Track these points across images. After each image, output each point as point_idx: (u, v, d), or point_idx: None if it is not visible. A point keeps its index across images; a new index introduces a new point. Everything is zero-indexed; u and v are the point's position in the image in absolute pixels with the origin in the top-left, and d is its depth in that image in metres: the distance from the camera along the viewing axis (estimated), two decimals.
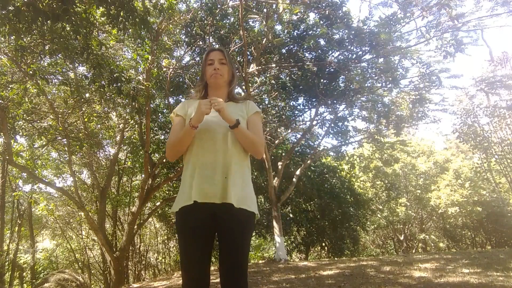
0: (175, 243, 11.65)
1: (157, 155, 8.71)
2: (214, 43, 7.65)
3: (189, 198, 1.42)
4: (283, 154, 9.23)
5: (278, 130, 9.14)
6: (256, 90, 8.55)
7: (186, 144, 1.50)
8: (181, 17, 6.55)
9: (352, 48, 7.56)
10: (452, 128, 12.19)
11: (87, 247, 11.61)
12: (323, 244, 12.62)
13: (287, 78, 8.33)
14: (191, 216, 1.43)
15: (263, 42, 7.24)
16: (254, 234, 10.33)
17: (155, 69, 6.27)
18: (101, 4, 3.37)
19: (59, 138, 6.85)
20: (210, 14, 7.05)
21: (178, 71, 7.47)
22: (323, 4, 7.09)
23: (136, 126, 7.66)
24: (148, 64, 5.92)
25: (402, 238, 15.18)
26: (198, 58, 8.08)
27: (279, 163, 8.43)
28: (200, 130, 1.48)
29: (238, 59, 7.74)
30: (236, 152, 1.49)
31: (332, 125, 8.97)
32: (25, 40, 4.14)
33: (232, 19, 7.64)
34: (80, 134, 6.58)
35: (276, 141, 8.70)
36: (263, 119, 8.00)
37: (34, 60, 4.84)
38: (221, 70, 1.60)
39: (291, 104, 8.95)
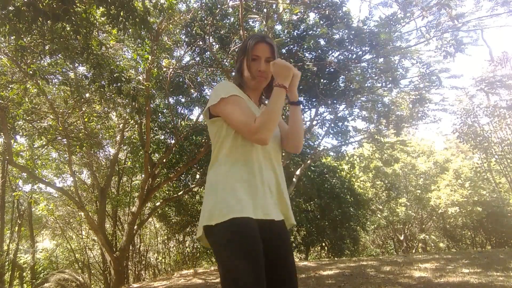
0: (175, 243, 11.65)
1: (157, 155, 8.72)
2: (214, 43, 7.65)
3: (243, 209, 1.13)
4: (283, 154, 9.23)
5: None
6: None
7: (279, 116, 1.21)
8: (181, 17, 6.55)
9: (352, 48, 7.56)
10: (452, 128, 12.19)
11: (87, 247, 11.61)
12: (323, 244, 12.62)
13: None
14: (246, 228, 1.12)
15: None
16: None
17: (155, 69, 6.27)
18: (101, 4, 3.37)
19: (59, 138, 6.85)
20: (210, 14, 7.04)
21: (178, 71, 7.47)
22: (323, 4, 7.08)
23: (136, 126, 7.66)
24: (148, 64, 5.92)
25: (402, 238, 15.18)
26: (198, 58, 8.08)
27: None
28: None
29: None
30: (280, 159, 1.30)
31: (332, 125, 8.97)
32: (25, 40, 4.14)
33: (232, 19, 7.63)
34: (80, 134, 6.58)
35: None
36: None
37: (34, 60, 4.84)
38: (266, 72, 1.30)
39: None
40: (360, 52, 7.56)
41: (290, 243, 1.23)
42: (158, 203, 8.65)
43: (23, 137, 6.38)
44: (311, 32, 7.61)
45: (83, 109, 6.64)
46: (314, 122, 8.94)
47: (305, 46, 7.69)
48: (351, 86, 7.62)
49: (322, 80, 7.94)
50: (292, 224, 1.29)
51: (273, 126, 1.17)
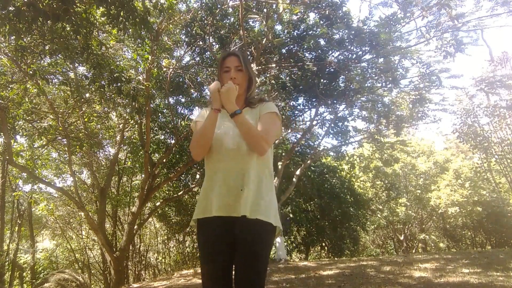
0: (175, 243, 11.66)
1: (157, 155, 8.71)
2: (214, 43, 7.65)
3: (204, 211, 1.42)
4: (283, 154, 9.22)
5: None
6: (256, 90, 8.54)
7: (211, 133, 1.44)
8: (181, 17, 6.55)
9: (352, 48, 7.55)
10: (452, 128, 12.18)
11: (87, 247, 11.61)
12: (323, 244, 12.63)
13: (287, 78, 8.32)
14: (207, 230, 1.41)
15: (263, 42, 7.24)
16: None
17: (155, 69, 6.27)
18: (101, 4, 3.37)
19: (59, 138, 6.85)
20: (210, 14, 7.04)
21: (178, 71, 7.47)
22: (323, 4, 7.08)
23: (136, 126, 7.66)
24: (148, 64, 5.91)
25: (402, 238, 15.18)
26: (198, 58, 8.07)
27: (279, 163, 8.43)
28: (214, 138, 1.45)
29: None
30: (253, 159, 1.42)
31: (332, 125, 8.96)
32: (25, 40, 4.14)
33: (232, 19, 7.63)
34: (80, 134, 6.58)
35: (276, 141, 8.70)
36: None
37: (34, 60, 4.84)
38: (238, 79, 1.52)
39: (291, 104, 8.94)
40: (360, 52, 7.56)
41: (252, 235, 1.34)
42: (158, 203, 8.65)
43: (23, 137, 6.38)
44: (311, 32, 7.61)
45: (83, 109, 6.64)
46: (314, 122, 8.94)
47: (305, 46, 7.69)
48: (351, 86, 7.62)
49: (322, 80, 7.94)
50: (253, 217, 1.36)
51: (199, 141, 1.45)
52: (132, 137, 8.63)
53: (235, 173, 1.41)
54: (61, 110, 6.28)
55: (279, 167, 8.32)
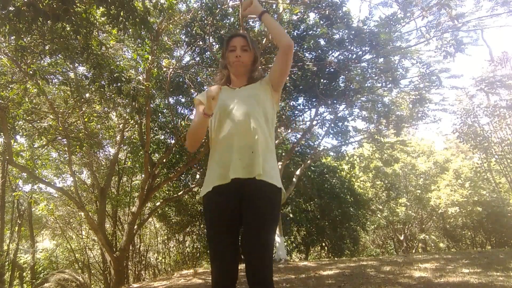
0: (175, 243, 11.66)
1: (157, 155, 8.71)
2: (214, 43, 7.65)
3: (214, 180, 1.44)
4: (283, 154, 9.22)
5: (278, 130, 9.14)
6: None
7: (201, 132, 1.52)
8: (181, 17, 6.55)
9: (352, 48, 7.55)
10: (452, 128, 12.19)
11: (87, 247, 11.62)
12: (323, 244, 12.63)
13: (287, 78, 8.32)
14: (215, 199, 1.43)
15: (263, 42, 7.24)
16: None
17: (155, 69, 6.27)
18: (101, 4, 3.37)
19: (59, 138, 6.85)
20: (210, 14, 7.04)
21: (178, 71, 7.46)
22: (323, 4, 7.08)
23: (136, 126, 7.66)
24: (148, 64, 5.91)
25: (402, 238, 15.18)
26: (198, 58, 8.07)
27: (279, 163, 8.43)
28: (219, 113, 1.50)
29: None
30: (260, 130, 1.47)
31: (332, 125, 8.96)
32: (25, 40, 4.14)
33: (232, 19, 7.63)
34: (80, 134, 6.58)
35: (276, 141, 8.70)
36: None
37: (34, 60, 4.84)
38: (243, 57, 1.57)
39: (291, 104, 8.94)
40: (360, 52, 7.55)
41: (261, 194, 1.39)
42: (158, 203, 8.65)
43: (23, 137, 6.38)
44: (311, 32, 7.61)
45: (83, 109, 6.64)
46: (314, 122, 8.94)
47: (305, 46, 7.69)
48: (351, 86, 7.62)
49: (322, 80, 7.94)
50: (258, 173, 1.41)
51: (190, 137, 1.55)
52: (132, 137, 8.63)
53: (246, 140, 1.44)
54: (61, 110, 6.28)
55: (279, 167, 8.33)
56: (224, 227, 1.40)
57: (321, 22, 7.35)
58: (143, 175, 8.07)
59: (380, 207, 14.80)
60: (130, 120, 7.36)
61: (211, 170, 1.50)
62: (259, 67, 1.72)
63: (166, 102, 8.07)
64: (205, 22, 7.07)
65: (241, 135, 1.45)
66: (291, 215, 10.86)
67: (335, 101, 8.35)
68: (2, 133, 5.28)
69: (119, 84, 4.55)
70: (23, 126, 6.08)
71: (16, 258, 9.91)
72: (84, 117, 6.66)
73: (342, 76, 7.84)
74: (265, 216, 1.36)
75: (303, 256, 12.74)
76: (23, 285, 10.23)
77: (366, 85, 7.48)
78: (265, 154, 1.46)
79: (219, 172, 1.44)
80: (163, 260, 11.88)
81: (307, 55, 7.82)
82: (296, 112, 9.24)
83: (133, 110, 5.91)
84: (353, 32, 7.07)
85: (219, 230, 1.41)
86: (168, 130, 8.63)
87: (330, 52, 7.98)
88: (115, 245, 8.60)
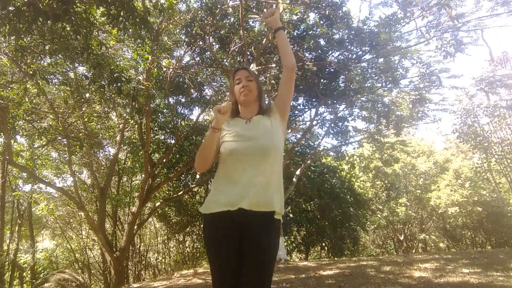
0: (175, 243, 11.66)
1: (157, 155, 8.72)
2: (214, 43, 7.65)
3: (223, 204, 1.45)
4: (284, 154, 9.22)
5: None
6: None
7: (210, 149, 1.53)
8: (181, 17, 6.55)
9: (352, 48, 7.55)
10: (452, 128, 12.18)
11: (87, 247, 11.62)
12: (323, 244, 12.62)
13: None
14: (221, 225, 1.45)
15: (263, 42, 7.24)
16: None
17: (155, 69, 6.27)
18: (101, 4, 3.37)
19: (59, 138, 6.85)
20: (210, 14, 7.04)
21: (178, 71, 7.46)
22: (323, 4, 7.08)
23: (136, 126, 7.66)
24: (148, 64, 5.91)
25: (402, 238, 15.18)
26: (198, 58, 8.07)
27: None
28: (236, 149, 1.51)
29: (238, 59, 7.74)
30: (268, 162, 1.50)
31: (332, 125, 8.96)
32: (25, 40, 4.14)
33: (232, 19, 7.63)
34: (80, 134, 6.58)
35: None
36: None
37: (34, 60, 4.84)
38: (249, 86, 1.66)
39: (291, 104, 8.93)
40: (360, 52, 7.55)
41: (262, 228, 1.43)
42: (158, 203, 8.65)
43: (23, 137, 6.38)
44: (311, 32, 7.61)
45: (83, 109, 6.64)
46: (314, 122, 8.94)
47: (305, 46, 7.69)
48: (351, 86, 7.62)
49: (322, 80, 7.94)
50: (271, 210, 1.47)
51: (199, 158, 1.56)
52: (132, 137, 8.63)
53: (256, 172, 1.47)
54: (61, 110, 6.28)
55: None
56: (227, 255, 1.43)
57: (321, 22, 7.35)
58: (143, 175, 8.07)
59: (380, 207, 14.80)
60: (130, 120, 7.36)
61: (219, 191, 1.52)
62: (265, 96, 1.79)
63: (166, 102, 8.07)
64: (205, 22, 7.07)
65: (256, 170, 1.47)
66: (291, 215, 10.86)
67: (335, 101, 8.35)
68: (2, 133, 5.28)
69: (119, 84, 4.55)
70: (23, 126, 6.08)
71: (16, 258, 9.91)
72: (84, 117, 6.66)
73: (342, 76, 7.85)
74: (269, 258, 1.41)
75: (303, 256, 12.73)
76: (23, 285, 10.23)
77: (366, 85, 7.48)
78: (279, 190, 1.52)
79: (228, 198, 1.46)
80: (163, 260, 11.88)
81: (307, 55, 7.82)
82: (296, 112, 9.24)
83: (133, 110, 5.91)
84: (353, 32, 7.08)
85: (223, 256, 1.43)
86: (168, 130, 8.63)
87: (330, 52, 7.98)
88: (115, 245, 8.60)
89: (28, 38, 4.24)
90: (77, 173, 9.30)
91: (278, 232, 1.49)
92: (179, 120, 8.18)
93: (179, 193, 8.81)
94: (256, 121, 1.61)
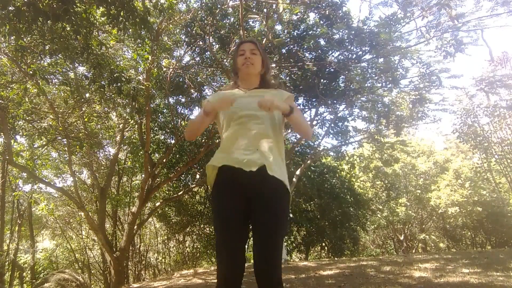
0: (175, 243, 11.65)
1: (157, 155, 8.71)
2: (214, 43, 7.64)
3: (229, 160, 1.44)
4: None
5: None
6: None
7: (198, 130, 1.60)
8: (181, 17, 6.55)
9: (352, 48, 7.55)
10: (452, 128, 12.18)
11: (87, 247, 11.61)
12: (323, 244, 12.62)
13: (287, 78, 8.32)
14: (232, 179, 1.43)
15: (263, 42, 7.24)
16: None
17: (155, 69, 6.27)
18: (101, 4, 3.37)
19: (59, 138, 6.85)
20: (210, 14, 7.04)
21: (178, 71, 7.46)
22: (323, 4, 7.08)
23: (136, 126, 7.66)
24: (148, 64, 5.91)
25: (402, 238, 15.18)
26: (198, 58, 8.06)
27: None
28: (228, 114, 1.52)
29: None
30: (271, 135, 1.50)
31: (332, 125, 8.96)
32: (25, 40, 4.14)
33: (232, 19, 7.63)
34: (80, 134, 6.58)
35: None
36: None
37: (34, 60, 4.84)
38: (252, 59, 1.62)
39: None
40: (360, 52, 7.55)
41: (271, 190, 1.40)
42: (158, 203, 8.64)
43: (23, 137, 6.38)
44: (311, 32, 7.60)
45: (83, 109, 6.64)
46: (314, 122, 8.94)
47: (305, 46, 7.68)
48: (351, 86, 7.61)
49: (322, 80, 7.94)
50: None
51: (189, 128, 1.60)
52: (132, 137, 8.63)
53: (254, 143, 1.46)
54: (61, 110, 6.28)
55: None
56: (235, 218, 1.39)
57: (321, 22, 7.34)
58: (143, 175, 8.07)
59: (380, 207, 14.80)
60: (130, 120, 7.36)
61: (225, 150, 1.50)
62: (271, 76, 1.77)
63: (166, 102, 8.06)
64: (205, 22, 7.07)
65: (247, 138, 1.47)
66: (291, 215, 10.86)
67: (335, 101, 8.35)
68: (2, 133, 5.29)
69: (119, 84, 4.55)
70: (23, 126, 6.08)
71: (16, 258, 9.92)
72: (84, 117, 6.66)
73: (342, 76, 7.84)
74: (280, 220, 1.37)
75: (303, 256, 12.74)
76: (23, 285, 10.23)
77: (366, 85, 7.47)
78: (275, 158, 1.47)
79: (233, 157, 1.45)
80: (163, 260, 11.88)
81: (307, 55, 7.82)
82: None
83: (133, 110, 5.92)
84: (353, 32, 7.07)
85: (229, 221, 1.39)
86: (168, 130, 8.63)
87: (330, 52, 7.97)
88: (115, 245, 8.59)
89: (28, 38, 4.24)
90: (77, 173, 9.31)
91: (288, 197, 1.46)
92: (179, 120, 8.17)
93: (179, 193, 8.81)
94: (254, 91, 1.61)
